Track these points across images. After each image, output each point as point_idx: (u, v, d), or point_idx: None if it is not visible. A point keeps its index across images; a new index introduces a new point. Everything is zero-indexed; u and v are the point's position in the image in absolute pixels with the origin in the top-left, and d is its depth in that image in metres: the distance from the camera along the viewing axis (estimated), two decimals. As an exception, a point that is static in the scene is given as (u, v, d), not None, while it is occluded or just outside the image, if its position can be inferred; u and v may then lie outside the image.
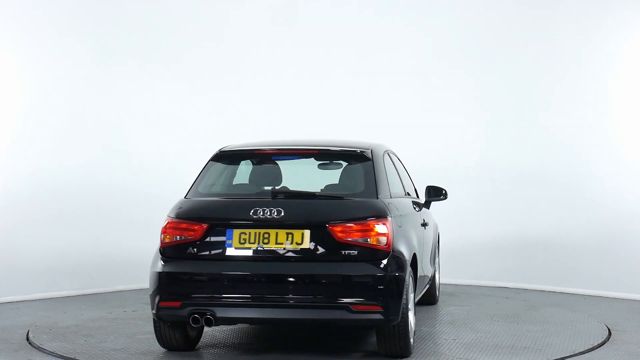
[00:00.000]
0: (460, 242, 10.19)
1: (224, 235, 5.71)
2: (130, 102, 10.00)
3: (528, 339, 6.82)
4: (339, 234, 5.61)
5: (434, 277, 8.34)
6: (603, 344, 6.70)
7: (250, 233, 5.70)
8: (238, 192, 6.40)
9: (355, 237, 5.62)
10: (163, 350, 6.24)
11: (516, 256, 10.19)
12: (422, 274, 6.95)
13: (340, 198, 5.93)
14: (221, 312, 5.64)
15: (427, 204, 7.80)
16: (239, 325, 7.08)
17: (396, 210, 6.00)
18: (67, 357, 6.11)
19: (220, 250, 5.74)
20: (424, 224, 7.30)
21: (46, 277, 9.09)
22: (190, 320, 5.67)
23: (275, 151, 6.54)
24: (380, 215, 5.71)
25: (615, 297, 9.29)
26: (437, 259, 8.64)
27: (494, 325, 7.45)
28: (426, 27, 10.69)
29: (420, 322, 7.47)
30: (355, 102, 10.75)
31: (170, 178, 9.72)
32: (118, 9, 9.90)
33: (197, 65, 10.46)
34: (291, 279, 5.61)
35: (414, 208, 7.06)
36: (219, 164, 6.42)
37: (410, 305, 6.01)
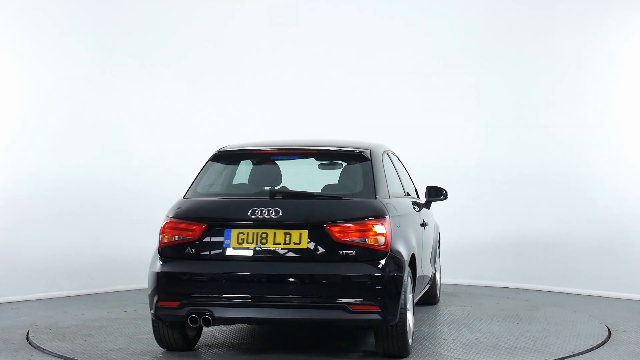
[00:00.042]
0: (460, 242, 10.19)
1: (222, 236, 5.72)
2: (130, 102, 10.00)
3: (527, 339, 6.81)
4: (337, 234, 5.61)
5: (434, 277, 8.33)
6: (603, 344, 6.70)
7: (248, 233, 5.70)
8: (237, 192, 6.41)
9: (353, 237, 5.62)
10: (162, 350, 6.24)
11: (516, 256, 10.19)
12: (422, 274, 6.95)
13: (339, 198, 5.92)
14: (219, 312, 5.65)
15: (427, 204, 7.79)
16: (238, 325, 7.08)
17: (394, 211, 6.00)
18: (66, 357, 6.11)
19: (218, 251, 5.74)
20: (424, 224, 7.29)
21: (46, 277, 9.09)
22: (189, 320, 5.67)
23: (274, 151, 6.54)
24: (379, 215, 5.71)
25: (615, 297, 9.29)
26: (437, 259, 8.63)
27: (494, 325, 7.45)
28: (426, 27, 10.69)
29: (421, 322, 7.47)
30: (355, 102, 10.75)
31: (170, 178, 9.72)
32: (118, 9, 9.91)
33: (197, 65, 10.46)
34: (289, 279, 5.61)
35: (414, 208, 7.05)
36: (218, 164, 6.42)
37: (409, 306, 6.01)
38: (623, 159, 9.58)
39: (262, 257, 5.68)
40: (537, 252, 10.05)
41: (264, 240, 5.67)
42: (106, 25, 9.82)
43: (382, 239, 5.64)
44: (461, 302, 8.85)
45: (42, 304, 8.57)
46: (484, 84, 10.44)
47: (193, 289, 5.71)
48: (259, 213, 5.69)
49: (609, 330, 7.28)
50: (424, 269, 7.18)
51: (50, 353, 6.23)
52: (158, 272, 5.79)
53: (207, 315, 5.63)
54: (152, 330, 6.21)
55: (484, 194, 10.34)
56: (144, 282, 6.42)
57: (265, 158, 6.55)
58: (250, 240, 5.68)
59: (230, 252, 5.71)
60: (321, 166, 6.78)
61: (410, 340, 6.04)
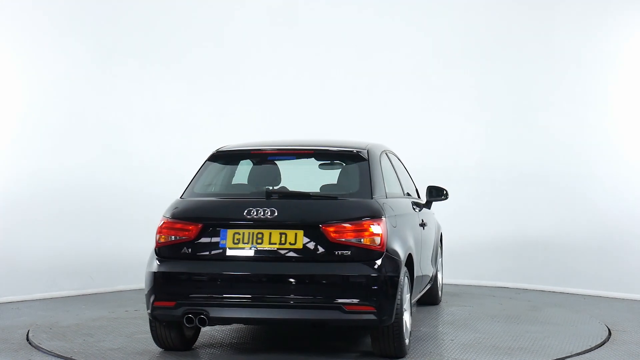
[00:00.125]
0: (460, 242, 10.18)
1: (218, 236, 5.72)
2: (130, 102, 10.01)
3: (527, 339, 6.81)
4: (333, 234, 5.61)
5: (435, 277, 8.32)
6: (603, 344, 6.70)
7: (244, 233, 5.70)
8: (233, 192, 6.41)
9: (348, 238, 5.62)
10: (159, 350, 6.25)
11: (516, 256, 10.18)
12: (420, 274, 6.93)
13: (335, 198, 5.93)
14: (215, 312, 5.66)
15: (428, 204, 7.79)
16: (237, 325, 7.09)
17: (391, 211, 5.99)
18: (64, 356, 6.13)
19: (214, 251, 5.74)
20: (423, 224, 7.27)
21: (46, 277, 9.10)
22: (184, 320, 5.68)
23: (271, 151, 6.54)
24: (375, 215, 5.71)
25: (615, 297, 9.28)
26: (439, 260, 8.62)
27: (494, 325, 7.44)
28: (426, 27, 10.69)
29: (421, 323, 7.46)
30: (355, 102, 10.74)
31: (170, 178, 9.71)
32: (118, 9, 9.92)
33: (197, 65, 10.46)
34: (285, 280, 5.61)
35: (413, 208, 7.04)
36: (215, 164, 6.42)
37: (406, 306, 6.01)
38: (623, 159, 9.57)
39: (258, 257, 5.68)
40: (537, 252, 10.04)
41: (259, 241, 5.67)
42: (106, 25, 9.83)
43: (378, 239, 5.64)
44: (463, 302, 8.85)
45: (42, 304, 8.58)
46: (484, 84, 10.43)
47: (189, 289, 5.72)
48: (255, 213, 5.69)
49: (609, 330, 7.28)
50: (423, 269, 7.17)
51: (49, 352, 6.25)
52: (154, 272, 5.81)
53: (203, 315, 5.64)
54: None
55: (484, 194, 10.34)
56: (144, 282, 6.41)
57: (262, 158, 6.55)
58: (246, 241, 5.69)
59: (226, 252, 5.71)
60: (322, 166, 6.78)
61: (407, 341, 6.04)
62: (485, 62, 10.40)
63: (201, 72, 10.46)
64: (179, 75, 10.35)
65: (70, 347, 6.41)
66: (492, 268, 10.26)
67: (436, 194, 7.64)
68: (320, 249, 5.64)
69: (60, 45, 9.47)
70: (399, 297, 5.73)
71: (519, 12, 10.27)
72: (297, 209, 5.78)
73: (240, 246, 5.68)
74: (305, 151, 6.50)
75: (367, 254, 5.62)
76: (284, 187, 6.46)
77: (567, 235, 9.85)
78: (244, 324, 6.96)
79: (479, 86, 10.46)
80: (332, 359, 6.03)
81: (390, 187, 6.45)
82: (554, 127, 10.01)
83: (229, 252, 5.70)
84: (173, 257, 5.81)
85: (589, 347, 6.54)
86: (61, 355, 6.15)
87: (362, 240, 5.62)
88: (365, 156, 6.20)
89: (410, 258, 6.20)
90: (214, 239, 5.73)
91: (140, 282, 9.13)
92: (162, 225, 5.88)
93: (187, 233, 5.76)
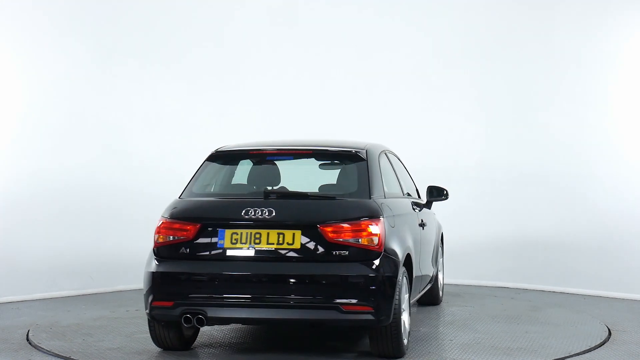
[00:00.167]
0: (460, 242, 10.17)
1: (216, 236, 5.73)
2: (130, 102, 10.02)
3: (526, 340, 6.80)
4: (330, 234, 5.61)
5: (436, 277, 8.32)
6: (603, 344, 6.69)
7: (242, 233, 5.70)
8: (232, 192, 6.41)
9: (346, 238, 5.62)
10: (158, 349, 6.25)
11: (516, 256, 10.18)
12: (419, 275, 6.93)
13: (332, 198, 5.93)
14: (212, 312, 5.66)
15: (428, 204, 7.78)
16: (236, 325, 7.09)
17: (389, 211, 5.99)
18: (63, 356, 6.14)
19: (212, 251, 5.75)
20: (422, 224, 7.26)
21: (46, 277, 9.10)
22: (182, 320, 5.69)
23: (270, 151, 6.54)
24: (373, 215, 5.70)
25: (615, 297, 9.28)
26: (440, 260, 8.61)
27: (494, 326, 7.44)
28: (426, 27, 10.68)
29: (421, 323, 7.46)
30: (355, 102, 10.74)
31: (170, 178, 9.70)
32: (118, 9, 9.92)
33: (197, 65, 10.47)
34: (282, 280, 5.62)
35: (413, 208, 7.04)
36: (214, 164, 6.42)
37: (404, 306, 6.00)
38: (623, 159, 9.57)
39: (256, 257, 5.69)
40: (537, 252, 10.04)
41: (257, 241, 5.67)
42: (106, 25, 9.83)
43: (375, 239, 5.63)
44: (464, 302, 8.84)
45: (42, 304, 8.58)
46: (484, 84, 10.43)
47: (187, 289, 5.73)
48: (253, 213, 5.70)
49: (609, 330, 7.27)
50: (423, 269, 7.16)
51: (48, 352, 6.26)
52: (153, 272, 5.82)
53: (201, 315, 5.64)
54: (149, 329, 6.21)
55: (484, 194, 10.33)
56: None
57: (261, 158, 6.55)
58: (243, 241, 5.69)
59: (223, 252, 5.72)
60: (322, 166, 6.78)
61: (405, 341, 6.03)
62: (485, 62, 10.40)
63: (201, 72, 10.47)
64: (179, 75, 10.35)
65: (69, 346, 6.42)
66: (492, 268, 10.26)
67: (436, 194, 7.64)
68: (318, 249, 5.64)
69: (60, 45, 9.47)
70: (397, 297, 5.72)
71: (519, 12, 10.27)
72: (295, 209, 5.78)
73: (238, 246, 5.68)
74: (304, 151, 6.50)
75: (364, 254, 5.62)
76: (283, 187, 6.46)
77: (567, 235, 9.84)
78: (242, 324, 6.97)
79: (479, 86, 10.46)
80: (331, 359, 6.03)
81: (389, 187, 6.45)
82: (554, 127, 10.01)
83: (227, 252, 5.70)
84: (171, 257, 5.81)
85: (589, 347, 6.54)
86: (60, 355, 6.16)
87: (359, 240, 5.62)
88: (364, 156, 6.20)
89: (408, 258, 6.19)
90: (212, 239, 5.73)
91: (140, 282, 9.17)
92: (160, 225, 5.89)
93: (185, 233, 5.77)
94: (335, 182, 6.31)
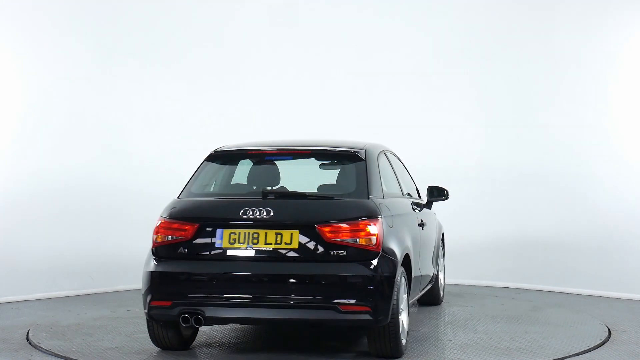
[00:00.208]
0: (460, 242, 10.17)
1: (214, 236, 5.73)
2: (130, 102, 10.02)
3: (525, 340, 6.80)
4: (328, 234, 5.61)
5: (437, 277, 8.31)
6: (603, 344, 6.69)
7: (240, 233, 5.71)
8: (230, 192, 6.41)
9: (344, 238, 5.62)
10: (157, 349, 6.26)
11: (516, 256, 10.17)
12: (418, 275, 6.92)
13: (331, 198, 5.93)
14: (211, 312, 5.66)
15: (428, 204, 7.77)
16: (235, 325, 7.09)
17: (388, 211, 5.99)
18: (62, 355, 6.14)
19: (210, 251, 5.75)
20: (422, 224, 7.26)
21: (46, 277, 9.10)
22: (181, 319, 5.69)
23: (269, 151, 6.54)
24: (371, 215, 5.70)
25: (615, 297, 9.27)
26: (441, 260, 8.60)
27: (494, 326, 7.43)
28: (426, 27, 10.69)
29: (420, 323, 7.46)
30: (355, 102, 10.75)
31: (170, 178, 9.69)
32: (118, 9, 9.92)
33: (197, 65, 10.47)
34: (280, 279, 5.62)
35: (412, 208, 7.04)
36: (213, 164, 6.43)
37: (403, 306, 5.99)
38: (623, 159, 9.57)
39: (254, 257, 5.69)
40: (537, 252, 10.03)
41: (255, 241, 5.67)
42: (106, 25, 9.83)
43: (373, 239, 5.63)
44: (465, 302, 8.83)
45: (42, 304, 8.59)
46: (484, 84, 10.42)
47: (185, 289, 5.73)
48: (251, 213, 5.70)
49: (609, 330, 7.27)
50: (422, 269, 7.16)
51: (48, 352, 6.26)
52: (151, 272, 5.83)
53: (199, 315, 5.64)
54: (149, 329, 6.22)
55: (484, 194, 10.33)
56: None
57: (260, 158, 6.56)
58: (241, 240, 5.69)
59: (221, 252, 5.72)
60: (322, 166, 6.78)
61: (404, 341, 6.03)
62: (485, 62, 10.40)
63: (201, 72, 10.47)
64: (179, 75, 10.35)
65: (68, 346, 6.43)
66: (493, 268, 10.26)
67: (437, 194, 7.64)
68: (316, 249, 5.64)
69: (60, 45, 9.48)
70: (395, 297, 5.72)
71: (519, 12, 10.27)
72: (293, 209, 5.78)
73: (236, 246, 5.69)
74: (303, 151, 6.50)
75: (363, 254, 5.62)
76: (283, 187, 6.46)
77: (567, 235, 9.84)
78: (240, 324, 6.97)
79: (479, 86, 10.46)
80: (330, 359, 6.03)
81: (388, 187, 6.45)
82: (554, 127, 10.01)
83: (225, 252, 5.71)
84: (170, 257, 5.82)
85: (588, 347, 6.54)
86: (60, 355, 6.16)
87: (357, 240, 5.62)
88: (363, 156, 6.20)
89: (407, 258, 6.18)
90: (210, 239, 5.74)
91: (140, 282, 9.18)
92: (159, 225, 5.90)
93: (183, 233, 5.77)
94: (334, 182, 6.31)
